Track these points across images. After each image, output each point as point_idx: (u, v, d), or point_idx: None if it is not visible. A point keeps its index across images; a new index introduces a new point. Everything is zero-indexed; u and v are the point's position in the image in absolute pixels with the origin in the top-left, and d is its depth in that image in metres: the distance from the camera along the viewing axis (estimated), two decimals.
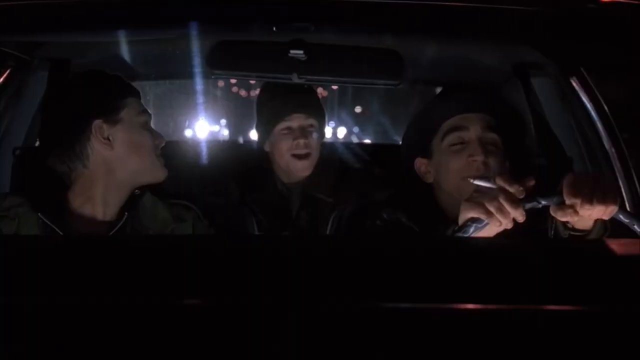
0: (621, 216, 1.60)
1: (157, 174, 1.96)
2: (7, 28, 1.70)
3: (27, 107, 2.59)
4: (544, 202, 1.60)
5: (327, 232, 2.36)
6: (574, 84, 2.55)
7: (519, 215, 1.59)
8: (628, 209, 2.29)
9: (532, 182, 1.61)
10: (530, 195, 1.60)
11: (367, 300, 1.11)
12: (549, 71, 2.59)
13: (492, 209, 1.58)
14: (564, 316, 1.11)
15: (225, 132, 9.04)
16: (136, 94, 1.99)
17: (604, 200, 1.56)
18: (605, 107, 2.56)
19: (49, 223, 1.85)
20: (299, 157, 2.59)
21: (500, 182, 1.61)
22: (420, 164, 2.03)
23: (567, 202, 1.56)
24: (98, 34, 2.05)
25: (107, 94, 1.94)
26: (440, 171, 1.98)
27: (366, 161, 2.78)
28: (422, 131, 2.04)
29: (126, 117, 1.92)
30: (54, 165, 1.93)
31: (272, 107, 2.62)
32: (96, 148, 1.89)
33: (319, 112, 2.64)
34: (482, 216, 1.59)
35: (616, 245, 1.52)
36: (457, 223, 1.66)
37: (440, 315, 1.10)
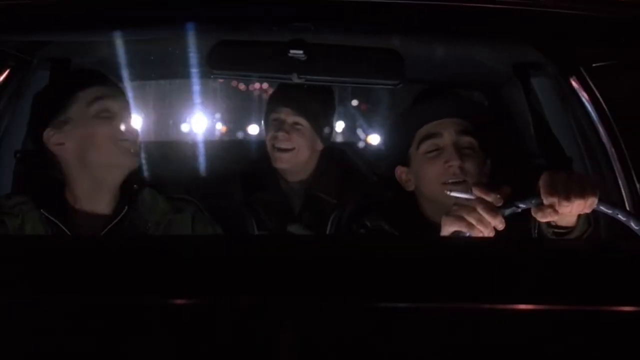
0: (602, 208, 1.60)
1: (121, 161, 1.94)
2: (7, 28, 1.70)
3: (27, 107, 2.59)
4: (522, 206, 1.61)
5: (327, 232, 2.37)
6: (574, 84, 2.55)
7: (499, 223, 1.60)
8: (628, 209, 2.28)
9: (508, 190, 1.62)
10: (509, 201, 1.61)
11: (366, 300, 1.11)
12: (549, 71, 2.59)
13: (472, 221, 1.59)
14: (563, 315, 1.11)
15: (218, 126, 9.02)
16: (88, 84, 1.95)
17: (581, 194, 1.56)
18: (605, 107, 2.56)
19: (51, 218, 1.89)
20: (279, 149, 2.62)
21: (477, 192, 1.62)
22: (400, 172, 2.05)
23: (545, 202, 1.56)
24: (98, 34, 2.05)
25: (50, 101, 1.96)
26: (419, 178, 2.00)
27: (370, 163, 2.79)
28: (399, 139, 2.07)
29: (74, 115, 1.93)
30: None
31: (271, 97, 2.72)
32: (57, 154, 1.94)
33: (313, 114, 2.65)
34: (464, 229, 1.60)
35: (615, 245, 1.52)
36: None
37: (440, 315, 1.10)
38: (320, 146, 2.69)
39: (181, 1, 1.67)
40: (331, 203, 2.61)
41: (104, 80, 1.99)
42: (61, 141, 1.93)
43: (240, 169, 2.78)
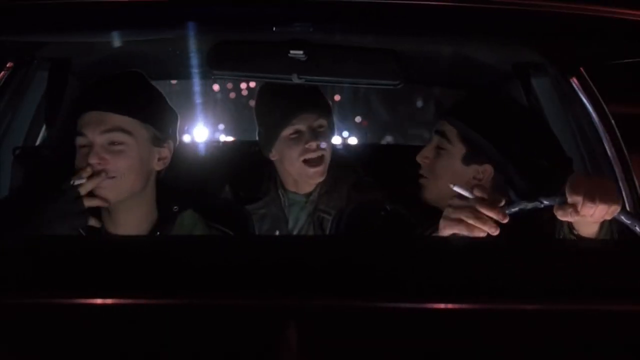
0: (623, 217, 1.60)
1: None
2: (7, 28, 1.70)
3: (27, 107, 2.59)
4: (546, 202, 1.61)
5: (327, 233, 2.36)
6: (574, 84, 2.55)
7: (502, 217, 1.60)
8: (628, 209, 2.28)
9: (504, 199, 1.63)
10: (533, 196, 1.61)
11: (366, 300, 1.11)
12: (549, 71, 2.59)
13: (470, 221, 1.59)
14: (563, 315, 1.11)
15: (222, 138, 8.95)
16: (78, 111, 1.90)
17: (606, 199, 1.56)
18: (605, 107, 2.56)
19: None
20: (312, 163, 2.37)
21: (478, 192, 1.62)
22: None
23: (569, 200, 1.56)
24: (98, 34, 2.04)
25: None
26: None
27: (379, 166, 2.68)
28: None
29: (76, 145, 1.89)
30: None
31: (275, 110, 2.41)
32: None
33: (326, 109, 2.46)
34: (464, 231, 1.60)
35: (616, 246, 1.52)
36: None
37: (440, 315, 1.10)
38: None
39: (181, 1, 1.67)
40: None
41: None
42: None
43: (235, 173, 2.58)
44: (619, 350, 1.06)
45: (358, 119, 9.33)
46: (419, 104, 9.16)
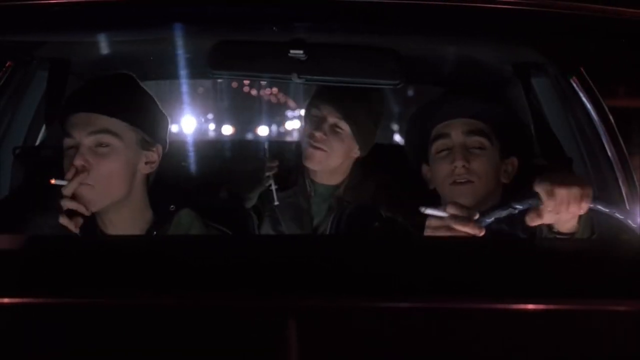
0: (600, 207, 1.61)
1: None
2: (7, 28, 1.70)
3: (27, 107, 2.59)
4: (519, 207, 1.61)
5: (327, 232, 2.36)
6: (574, 84, 2.55)
7: (477, 231, 1.60)
8: (628, 208, 2.29)
9: (477, 213, 1.64)
10: (505, 203, 1.62)
11: (366, 299, 1.11)
12: (549, 71, 2.59)
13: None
14: (563, 314, 1.11)
15: (211, 126, 8.95)
16: (66, 112, 1.88)
17: (576, 193, 1.57)
18: (605, 107, 2.56)
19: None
20: (312, 146, 2.43)
21: (451, 210, 1.63)
22: (426, 170, 2.07)
23: (544, 202, 1.58)
24: (98, 34, 2.05)
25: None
26: (434, 178, 2.01)
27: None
28: (414, 139, 2.09)
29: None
30: None
31: (316, 91, 2.51)
32: None
33: (356, 119, 2.43)
34: None
35: (615, 245, 1.52)
36: None
37: (440, 315, 1.09)
38: (357, 154, 2.48)
39: (182, 1, 1.67)
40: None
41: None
42: None
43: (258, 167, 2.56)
44: (619, 350, 1.06)
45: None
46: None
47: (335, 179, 2.52)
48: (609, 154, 2.50)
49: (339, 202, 2.49)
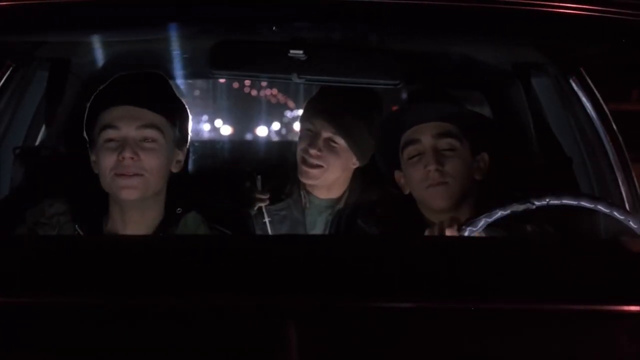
0: (616, 213, 1.61)
1: (115, 194, 1.86)
2: (7, 28, 1.70)
3: (27, 107, 2.59)
4: (538, 204, 1.62)
5: (327, 233, 2.36)
6: (574, 84, 2.55)
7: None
8: (628, 209, 2.29)
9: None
10: (524, 198, 1.63)
11: (366, 299, 1.11)
12: (549, 71, 2.59)
13: None
14: (563, 314, 1.11)
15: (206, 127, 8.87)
16: (108, 104, 1.88)
17: None
18: (605, 107, 2.56)
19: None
20: (308, 164, 2.34)
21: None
22: (398, 176, 2.08)
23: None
24: (98, 34, 2.05)
25: (86, 124, 1.92)
26: (409, 183, 2.03)
27: None
28: (390, 144, 2.08)
29: (97, 138, 1.88)
30: None
31: (308, 103, 2.45)
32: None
33: (352, 132, 2.34)
34: None
35: (615, 245, 1.52)
36: None
37: (439, 314, 1.10)
38: (355, 164, 2.39)
39: (182, 1, 1.67)
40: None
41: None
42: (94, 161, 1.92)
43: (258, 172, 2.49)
44: (619, 350, 1.06)
45: None
46: None
47: (334, 193, 2.44)
48: (609, 154, 2.50)
49: (337, 215, 2.35)
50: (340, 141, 2.34)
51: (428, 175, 1.95)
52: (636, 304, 1.13)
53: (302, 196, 2.44)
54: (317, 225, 2.44)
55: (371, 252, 1.28)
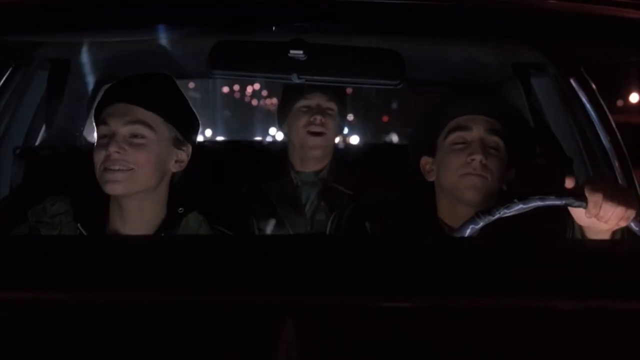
0: (632, 224, 1.60)
1: (103, 188, 1.86)
2: (7, 28, 1.70)
3: (27, 107, 2.59)
4: (547, 202, 1.60)
5: (327, 233, 2.37)
6: (574, 84, 2.55)
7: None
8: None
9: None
10: (532, 196, 1.62)
11: (365, 298, 1.11)
12: (549, 71, 2.60)
13: None
14: (563, 314, 1.11)
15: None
16: (105, 102, 1.91)
17: (624, 203, 1.58)
18: (605, 107, 2.56)
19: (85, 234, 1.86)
20: (314, 133, 2.61)
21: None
22: (425, 162, 2.06)
23: (590, 200, 1.58)
24: (98, 34, 2.05)
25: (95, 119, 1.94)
26: (441, 168, 2.00)
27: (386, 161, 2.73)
28: (428, 130, 2.08)
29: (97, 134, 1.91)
30: None
31: (296, 85, 2.64)
32: None
33: (340, 99, 2.68)
34: None
35: (615, 245, 1.52)
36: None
37: (439, 314, 1.10)
38: (341, 131, 2.74)
39: (181, 1, 1.67)
40: (347, 194, 2.59)
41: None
42: None
43: (249, 163, 2.74)
44: (619, 350, 1.06)
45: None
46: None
47: (319, 165, 2.70)
48: (609, 154, 2.50)
49: (325, 184, 2.66)
50: (335, 108, 2.65)
51: (470, 164, 1.93)
52: (636, 304, 1.13)
53: (293, 177, 2.70)
54: (310, 197, 2.69)
55: (371, 252, 1.28)
